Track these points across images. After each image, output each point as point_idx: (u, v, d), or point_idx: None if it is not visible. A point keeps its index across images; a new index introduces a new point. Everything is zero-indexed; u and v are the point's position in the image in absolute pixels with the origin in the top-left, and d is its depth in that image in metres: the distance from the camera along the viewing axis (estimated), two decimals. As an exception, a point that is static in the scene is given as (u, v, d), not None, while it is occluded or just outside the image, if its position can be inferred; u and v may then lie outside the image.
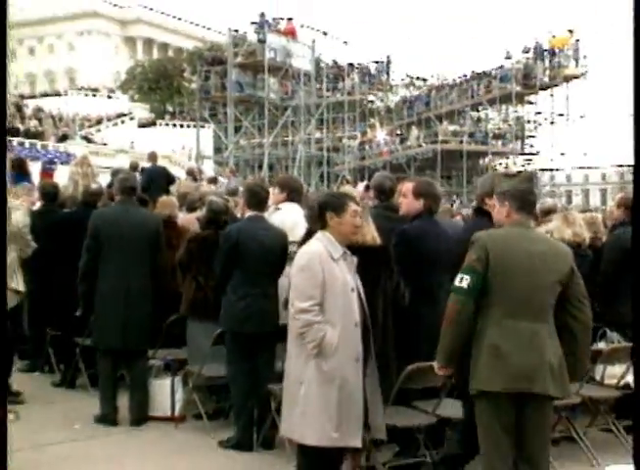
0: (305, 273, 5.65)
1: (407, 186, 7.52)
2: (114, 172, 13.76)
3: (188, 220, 9.92)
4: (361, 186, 9.25)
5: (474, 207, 8.55)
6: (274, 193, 8.77)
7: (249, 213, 8.11)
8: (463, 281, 5.23)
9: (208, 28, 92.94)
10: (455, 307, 5.29)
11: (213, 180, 19.77)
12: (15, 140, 47.04)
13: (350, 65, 52.26)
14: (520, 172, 36.24)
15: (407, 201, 7.39)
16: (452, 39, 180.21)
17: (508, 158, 50.07)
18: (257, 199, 8.12)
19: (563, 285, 5.32)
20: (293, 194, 8.78)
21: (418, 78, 53.76)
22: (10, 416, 8.21)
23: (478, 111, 50.27)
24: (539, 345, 5.15)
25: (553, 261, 5.32)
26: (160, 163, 21.53)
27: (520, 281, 5.21)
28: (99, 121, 61.03)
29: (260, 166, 45.78)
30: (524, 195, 5.56)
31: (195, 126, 52.96)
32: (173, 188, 16.29)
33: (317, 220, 6.01)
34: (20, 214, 9.66)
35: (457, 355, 5.37)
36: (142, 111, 68.71)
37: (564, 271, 5.33)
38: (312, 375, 5.57)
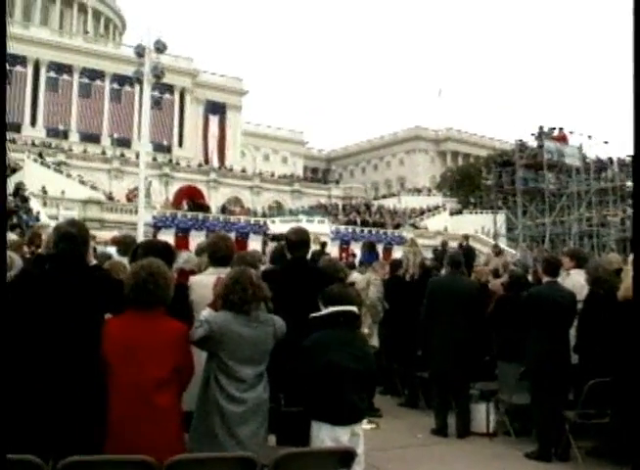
0: None
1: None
2: (442, 251, 13.80)
3: (495, 285, 9.68)
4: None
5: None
6: (565, 261, 8.45)
7: (546, 279, 7.81)
8: None
9: (498, 140, 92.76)
10: None
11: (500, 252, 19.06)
12: (365, 229, 48.90)
13: (610, 159, 49.87)
14: None
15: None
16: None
17: None
18: (552, 267, 7.85)
19: None
20: (580, 261, 8.42)
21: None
22: (372, 425, 8.43)
23: None
24: None
25: None
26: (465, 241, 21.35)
27: None
28: (422, 212, 61.87)
29: (543, 241, 44.42)
30: None
31: (491, 212, 52.37)
32: (481, 260, 16.02)
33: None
34: (374, 290, 9.93)
35: None
36: (452, 203, 68.91)
37: None
38: None
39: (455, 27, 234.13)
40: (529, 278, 9.78)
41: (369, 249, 15.54)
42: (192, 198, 52.68)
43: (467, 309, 8.50)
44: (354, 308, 4.98)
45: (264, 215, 51.37)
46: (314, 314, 4.94)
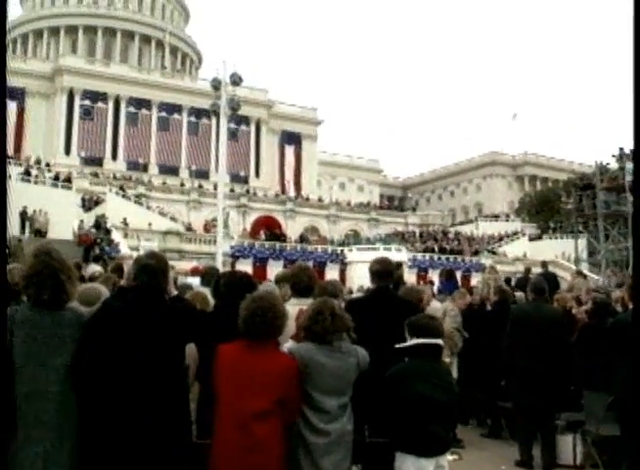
0: None
1: None
2: (525, 278, 13.59)
3: (580, 312, 9.51)
4: None
5: None
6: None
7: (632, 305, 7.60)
8: None
9: (578, 163, 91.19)
10: None
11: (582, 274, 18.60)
12: (442, 256, 48.65)
13: (690, 177, 48.29)
14: None
15: None
16: None
17: None
18: (639, 293, 7.63)
19: None
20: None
21: None
22: (455, 457, 8.31)
23: None
24: None
25: None
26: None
27: None
28: (500, 239, 61.25)
29: (627, 266, 43.17)
30: None
31: (572, 237, 51.35)
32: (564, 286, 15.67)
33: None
34: (449, 321, 9.86)
35: None
36: (531, 228, 68.04)
37: None
38: None
39: (528, 50, 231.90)
40: (619, 306, 9.56)
41: (447, 276, 15.35)
42: (269, 228, 53.43)
43: (551, 337, 8.36)
44: (440, 341, 4.99)
45: (342, 244, 51.65)
46: (399, 345, 4.96)
